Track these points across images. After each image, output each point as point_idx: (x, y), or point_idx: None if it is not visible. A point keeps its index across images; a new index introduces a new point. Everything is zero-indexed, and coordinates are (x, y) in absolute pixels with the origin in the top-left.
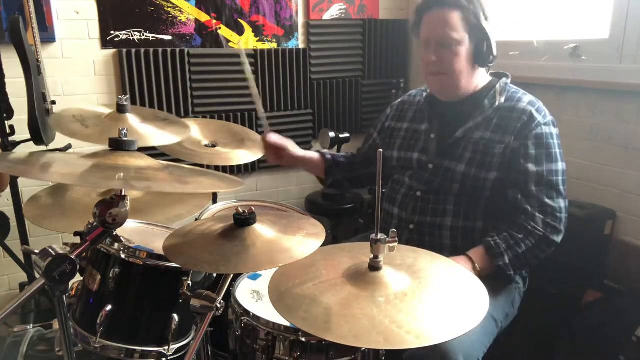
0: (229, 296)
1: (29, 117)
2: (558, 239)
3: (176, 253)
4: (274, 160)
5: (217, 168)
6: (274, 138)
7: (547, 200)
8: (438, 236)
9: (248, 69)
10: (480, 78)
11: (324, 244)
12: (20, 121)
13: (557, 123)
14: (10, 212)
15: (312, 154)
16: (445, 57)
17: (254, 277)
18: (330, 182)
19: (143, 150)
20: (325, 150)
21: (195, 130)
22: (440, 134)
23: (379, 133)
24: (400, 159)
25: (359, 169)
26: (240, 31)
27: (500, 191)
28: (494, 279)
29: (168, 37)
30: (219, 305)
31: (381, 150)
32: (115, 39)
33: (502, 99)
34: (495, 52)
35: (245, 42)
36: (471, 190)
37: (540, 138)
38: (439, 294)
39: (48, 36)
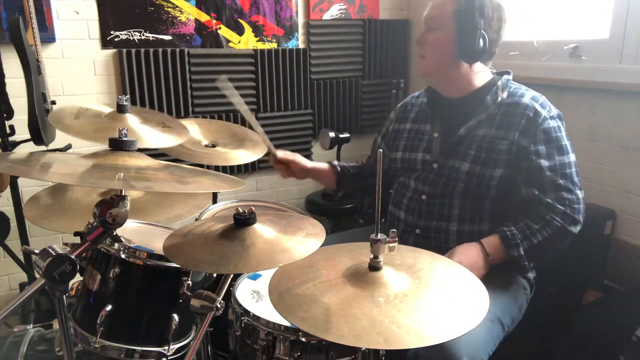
0: (229, 296)
1: (29, 117)
2: (576, 229)
3: (176, 253)
4: (286, 176)
5: (217, 168)
6: (282, 154)
7: (565, 193)
8: (444, 240)
9: (239, 100)
10: (480, 76)
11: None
12: (20, 121)
13: (560, 113)
14: (10, 212)
15: (322, 165)
16: (429, 40)
17: (254, 277)
18: (340, 193)
19: (143, 150)
20: (335, 162)
21: (195, 130)
22: (444, 133)
23: (382, 137)
24: (404, 160)
25: (368, 178)
26: (240, 31)
27: (506, 190)
28: (505, 283)
29: (168, 37)
30: (219, 305)
31: (381, 150)
32: (115, 39)
33: (504, 95)
34: (479, 47)
35: (245, 42)
36: (476, 189)
37: (548, 133)
38: (439, 294)
39: (48, 36)
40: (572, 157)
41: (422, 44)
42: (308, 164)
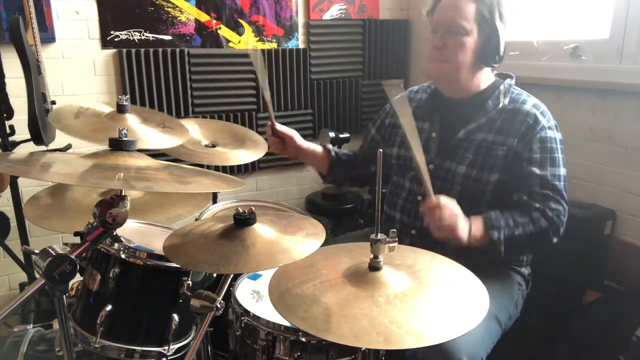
0: (229, 296)
1: (29, 117)
2: (554, 239)
3: (176, 253)
4: (278, 149)
5: (217, 168)
6: (281, 127)
7: (552, 203)
8: (440, 241)
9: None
10: (484, 78)
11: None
12: (20, 121)
13: (557, 124)
14: (10, 212)
15: (317, 147)
16: (450, 44)
17: (254, 277)
18: (330, 179)
19: (143, 150)
20: (330, 146)
21: (195, 130)
22: (442, 134)
23: (377, 130)
24: (400, 157)
25: (359, 167)
26: (240, 31)
27: (502, 194)
28: (499, 280)
29: (168, 37)
30: (219, 305)
31: (381, 150)
32: (115, 39)
33: (506, 101)
34: (501, 53)
35: (245, 42)
36: (472, 192)
37: (544, 142)
38: (439, 294)
39: (48, 36)
40: (563, 171)
41: (441, 47)
42: (303, 143)
